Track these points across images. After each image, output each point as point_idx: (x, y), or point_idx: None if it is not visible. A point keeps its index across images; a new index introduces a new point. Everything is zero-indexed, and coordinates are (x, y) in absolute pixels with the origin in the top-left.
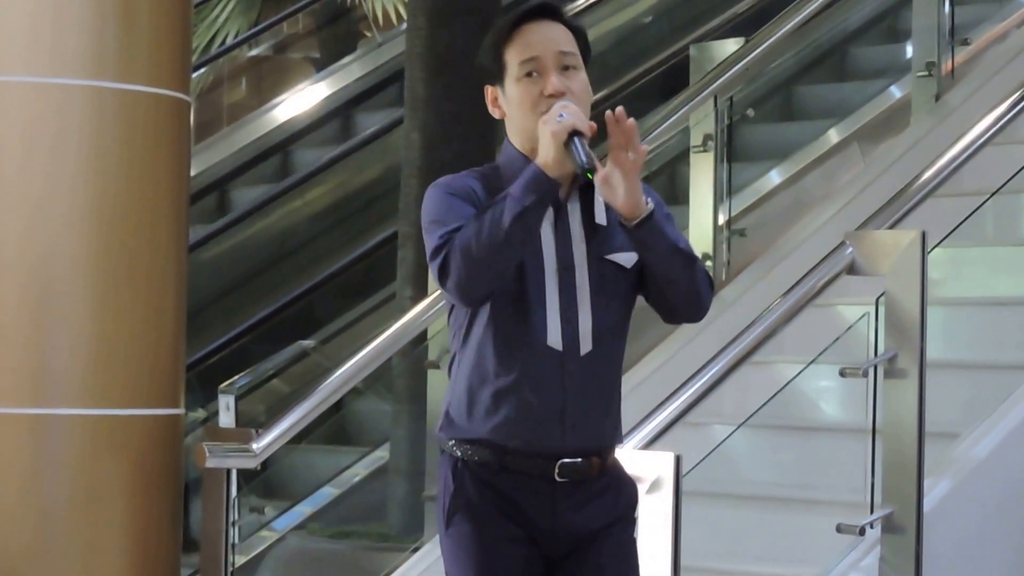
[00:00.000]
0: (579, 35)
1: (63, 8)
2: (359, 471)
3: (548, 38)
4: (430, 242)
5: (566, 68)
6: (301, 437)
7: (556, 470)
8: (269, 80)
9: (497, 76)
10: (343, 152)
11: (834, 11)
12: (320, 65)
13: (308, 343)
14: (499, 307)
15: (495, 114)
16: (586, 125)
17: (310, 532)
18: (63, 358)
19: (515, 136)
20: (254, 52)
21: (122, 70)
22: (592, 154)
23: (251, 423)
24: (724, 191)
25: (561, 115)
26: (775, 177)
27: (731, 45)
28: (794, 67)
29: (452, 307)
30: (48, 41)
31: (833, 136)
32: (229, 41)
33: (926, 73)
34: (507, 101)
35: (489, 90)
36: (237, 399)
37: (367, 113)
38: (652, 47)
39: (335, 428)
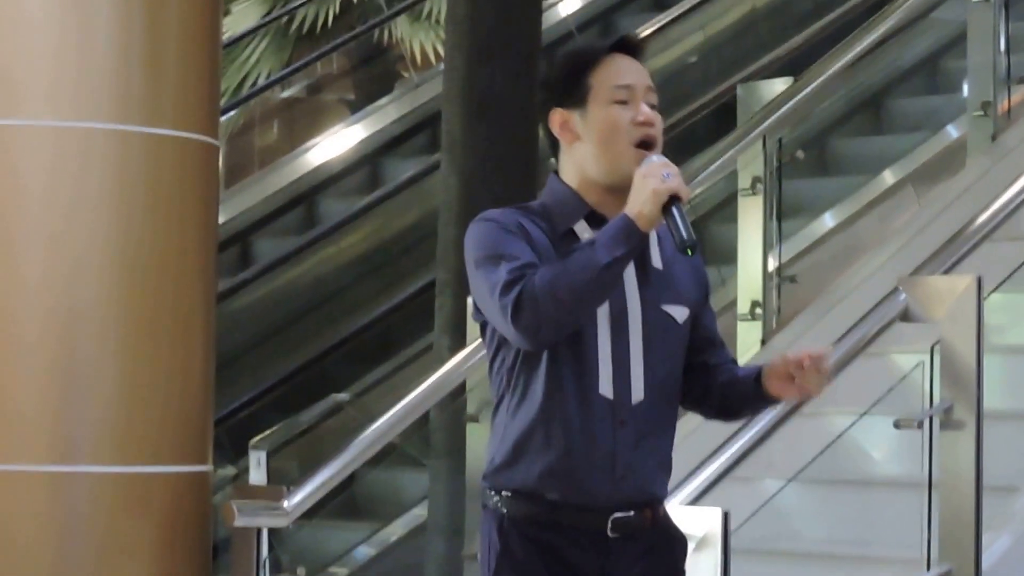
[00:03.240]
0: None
1: (88, 50)
2: (396, 530)
3: (639, 71)
4: (492, 276)
5: (652, 105)
6: (333, 497)
7: (609, 525)
8: (302, 122)
9: (576, 100)
10: (379, 197)
11: (883, 52)
12: (355, 107)
13: (342, 396)
14: (549, 353)
15: (564, 139)
16: (686, 191)
17: None
18: (85, 412)
19: (579, 165)
20: (286, 93)
21: (148, 113)
22: (691, 227)
23: (283, 480)
24: (774, 236)
25: (667, 174)
26: (827, 221)
27: (779, 85)
28: (842, 114)
29: (496, 353)
30: (73, 84)
31: (888, 178)
32: (261, 82)
33: (982, 113)
34: (586, 125)
35: (559, 113)
36: (269, 455)
37: (403, 157)
38: (697, 87)
39: (366, 491)
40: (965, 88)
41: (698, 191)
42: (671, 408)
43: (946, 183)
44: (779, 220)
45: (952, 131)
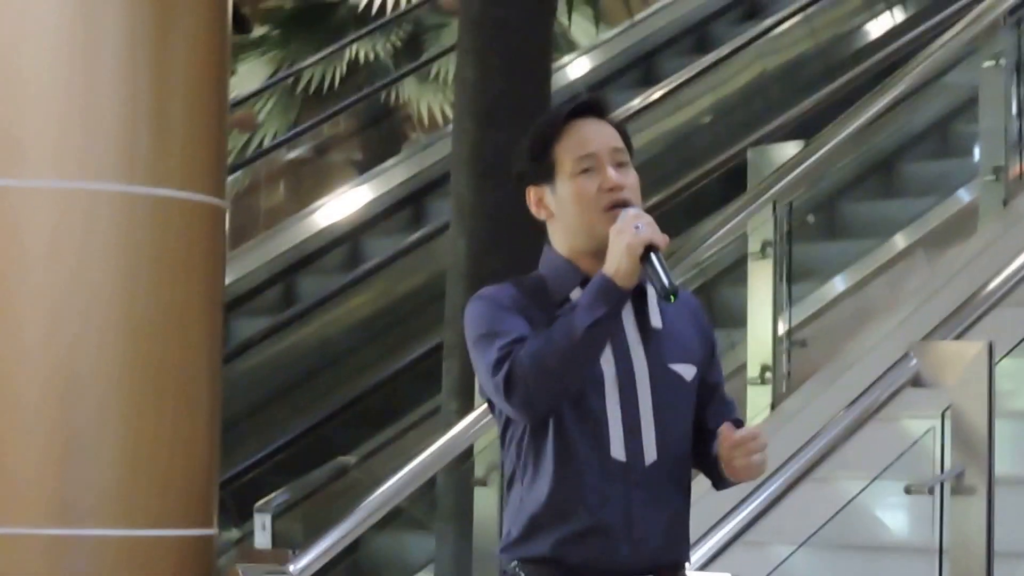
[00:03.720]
0: (623, 133)
1: (94, 110)
2: None
3: (601, 134)
4: (485, 356)
5: (620, 164)
6: (338, 561)
7: None
8: (308, 183)
9: (544, 176)
10: (386, 259)
11: (895, 116)
12: (362, 167)
13: (348, 459)
14: (558, 420)
15: (540, 215)
16: (661, 238)
17: None
18: (87, 475)
19: (563, 237)
20: (293, 154)
21: (154, 174)
22: (671, 274)
23: (288, 543)
24: (784, 299)
25: (637, 226)
26: (838, 285)
27: (790, 148)
28: (853, 178)
29: (506, 427)
30: (78, 144)
31: (898, 242)
32: (267, 143)
33: (993, 178)
34: (558, 200)
35: (532, 191)
36: (274, 518)
37: (410, 220)
38: (707, 150)
39: (372, 554)
40: (976, 152)
41: (708, 255)
42: (685, 467)
43: (957, 248)
44: (789, 284)
45: (964, 195)
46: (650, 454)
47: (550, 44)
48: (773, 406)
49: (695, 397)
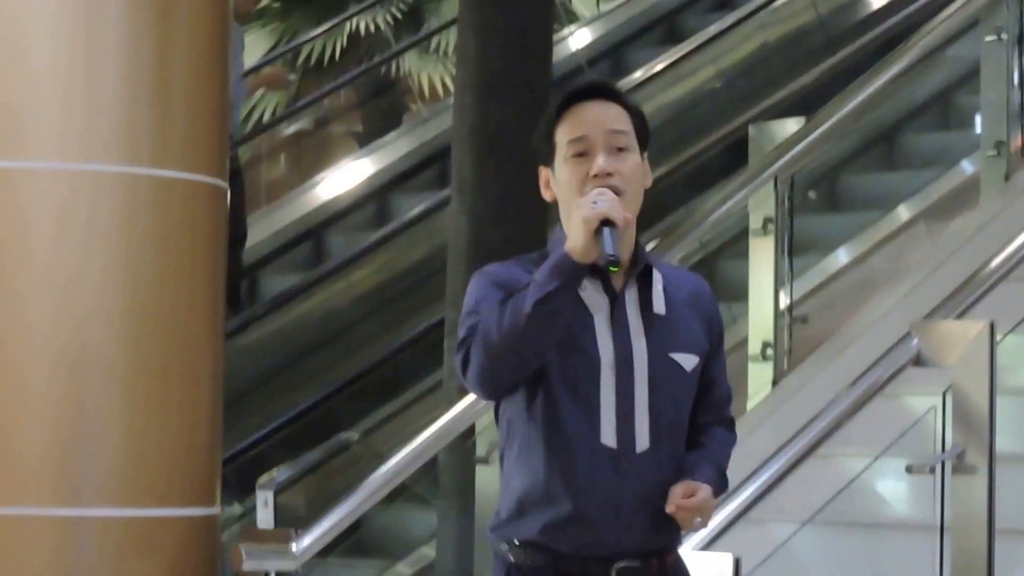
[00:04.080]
0: (636, 115)
1: (96, 92)
2: (405, 570)
3: (599, 117)
4: (459, 333)
5: (619, 149)
6: (341, 537)
7: (614, 574)
8: (309, 156)
9: (549, 157)
10: (388, 233)
11: (895, 89)
12: (363, 140)
13: (350, 435)
14: (550, 402)
15: (547, 197)
16: (620, 215)
17: None
18: (92, 456)
19: (563, 219)
20: (293, 128)
21: (156, 155)
22: (619, 246)
23: (291, 519)
24: (785, 276)
25: (595, 201)
26: (839, 258)
27: (791, 125)
28: (854, 150)
29: (497, 404)
30: (81, 125)
31: (900, 215)
32: (267, 117)
33: (995, 152)
34: (556, 183)
35: (542, 172)
36: (276, 494)
37: (412, 192)
38: (708, 122)
39: (375, 529)
40: (978, 124)
41: (709, 232)
42: (678, 456)
43: (959, 222)
44: (790, 260)
45: (966, 167)
46: (642, 442)
47: (551, 18)
48: (775, 382)
49: (695, 386)
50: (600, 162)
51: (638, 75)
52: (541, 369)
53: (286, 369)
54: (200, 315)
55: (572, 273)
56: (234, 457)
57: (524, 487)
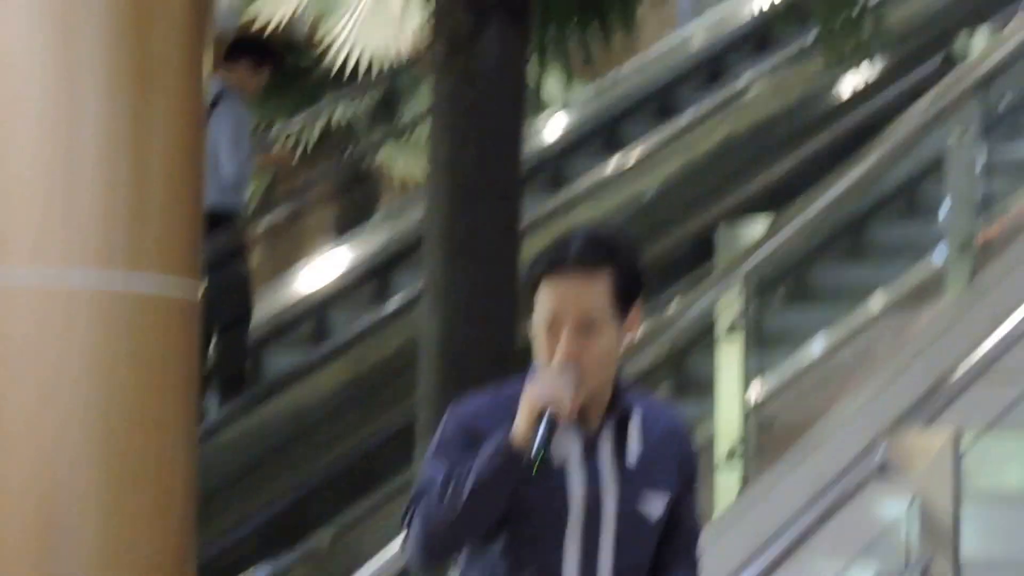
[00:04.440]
0: (624, 273)
1: (74, 196)
2: None
3: (572, 297)
4: (413, 488)
5: (589, 327)
6: None
7: None
8: (284, 248)
9: (532, 309)
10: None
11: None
12: (340, 230)
13: (322, 538)
14: (514, 540)
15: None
16: (564, 407)
17: None
18: (66, 562)
19: None
20: (268, 220)
21: (132, 257)
22: (548, 445)
23: None
24: (752, 380)
25: (544, 386)
26: (807, 355)
27: (758, 227)
28: (822, 243)
29: None
30: (60, 229)
31: (868, 308)
32: None
33: (960, 252)
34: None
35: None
36: None
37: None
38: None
39: None
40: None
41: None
42: None
43: (925, 319)
44: (758, 364)
45: (933, 258)
46: None
47: (522, 121)
48: (741, 487)
49: (661, 530)
50: (563, 345)
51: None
52: (506, 515)
53: (259, 467)
54: (174, 426)
55: (510, 459)
56: (206, 557)
57: None
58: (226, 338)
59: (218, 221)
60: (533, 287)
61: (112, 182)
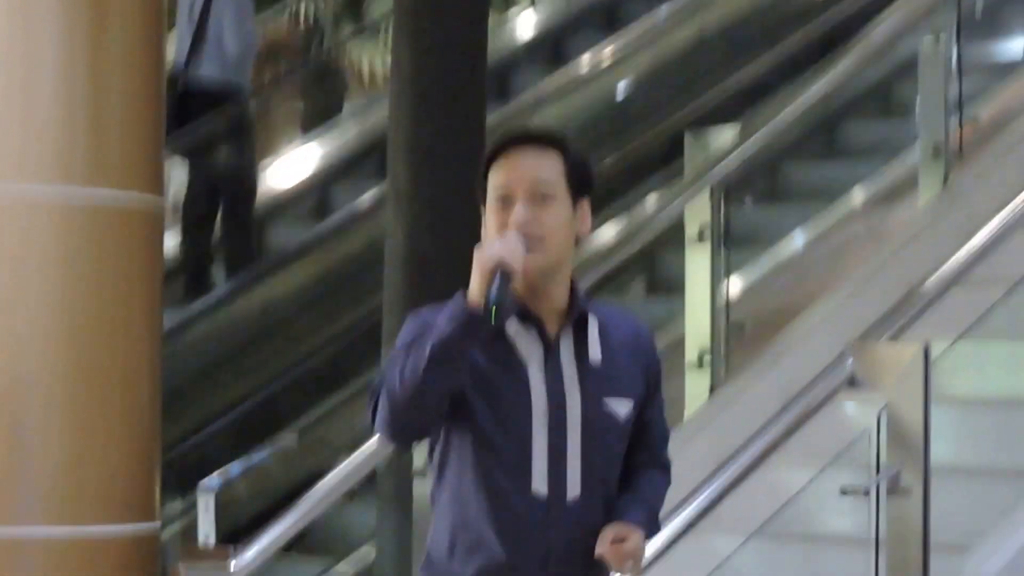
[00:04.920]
0: (573, 163)
1: (31, 111)
2: (346, 569)
3: (526, 166)
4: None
5: (543, 197)
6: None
7: None
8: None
9: (483, 199)
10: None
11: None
12: (306, 126)
13: (290, 437)
14: (482, 445)
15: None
16: (517, 260)
17: None
18: (32, 475)
19: None
20: None
21: (92, 172)
22: (505, 295)
23: (231, 520)
24: (722, 284)
25: (494, 244)
26: (778, 256)
27: (727, 132)
28: (791, 144)
29: (432, 445)
30: (16, 144)
31: (840, 208)
32: None
33: (933, 156)
34: (485, 226)
35: (481, 211)
36: (218, 496)
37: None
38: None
39: (317, 529)
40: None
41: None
42: (609, 502)
43: (899, 220)
44: (728, 269)
45: (907, 158)
46: (573, 489)
47: (485, 29)
48: (712, 391)
49: (629, 433)
50: (517, 211)
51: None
52: (473, 416)
53: (227, 363)
54: (138, 333)
55: (466, 320)
56: (175, 454)
57: (454, 529)
58: (232, 214)
59: (223, 98)
60: (484, 176)
61: (70, 98)
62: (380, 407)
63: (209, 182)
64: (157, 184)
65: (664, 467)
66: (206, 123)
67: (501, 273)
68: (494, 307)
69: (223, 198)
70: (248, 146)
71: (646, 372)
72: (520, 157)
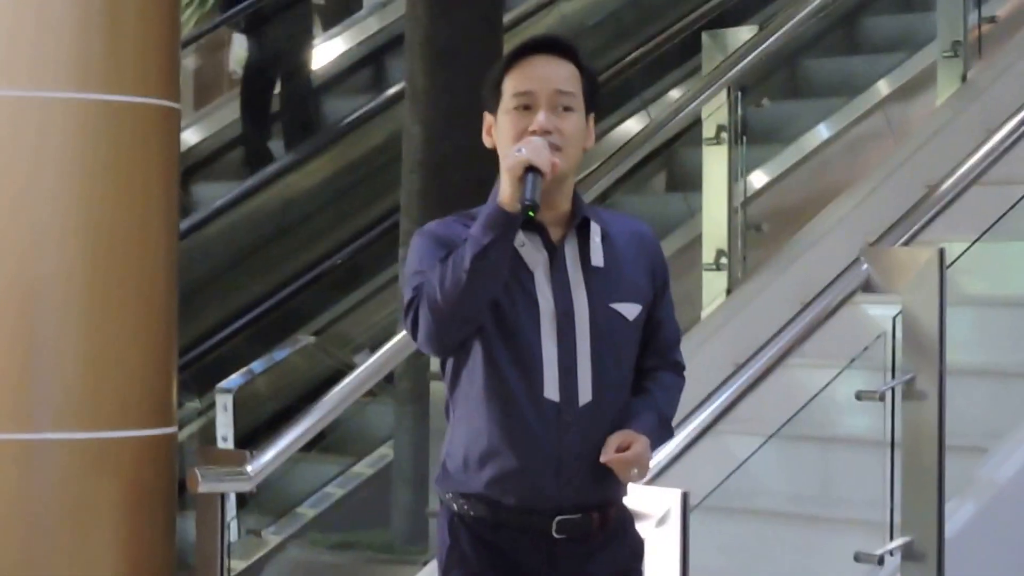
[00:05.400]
0: (588, 77)
1: (45, 18)
2: (364, 470)
3: (548, 74)
4: (405, 295)
5: (564, 108)
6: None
7: (554, 527)
8: None
9: (495, 105)
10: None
11: None
12: (327, 21)
13: (308, 339)
14: (492, 355)
15: (487, 143)
16: (545, 161)
17: (312, 543)
18: (49, 380)
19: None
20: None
21: (108, 80)
22: (537, 194)
23: (248, 420)
24: (740, 185)
25: (520, 148)
26: (793, 162)
27: (744, 32)
28: (808, 40)
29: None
30: (30, 51)
31: (856, 110)
32: None
33: (951, 53)
34: (497, 131)
35: (487, 118)
36: (235, 397)
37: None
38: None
39: (335, 427)
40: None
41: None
42: (622, 406)
43: (918, 116)
44: (744, 171)
45: (929, 53)
46: (585, 395)
47: None
48: (729, 291)
49: (639, 335)
50: (541, 118)
51: None
52: (482, 324)
53: (243, 262)
54: (154, 237)
55: (505, 224)
56: (192, 349)
57: (468, 440)
58: (290, 84)
59: None
60: (498, 81)
61: (85, 3)
62: (421, 321)
63: (267, 55)
64: (174, 91)
65: (676, 369)
66: None
67: (533, 171)
68: (531, 204)
69: (281, 70)
70: (306, 17)
71: (652, 274)
72: (544, 65)
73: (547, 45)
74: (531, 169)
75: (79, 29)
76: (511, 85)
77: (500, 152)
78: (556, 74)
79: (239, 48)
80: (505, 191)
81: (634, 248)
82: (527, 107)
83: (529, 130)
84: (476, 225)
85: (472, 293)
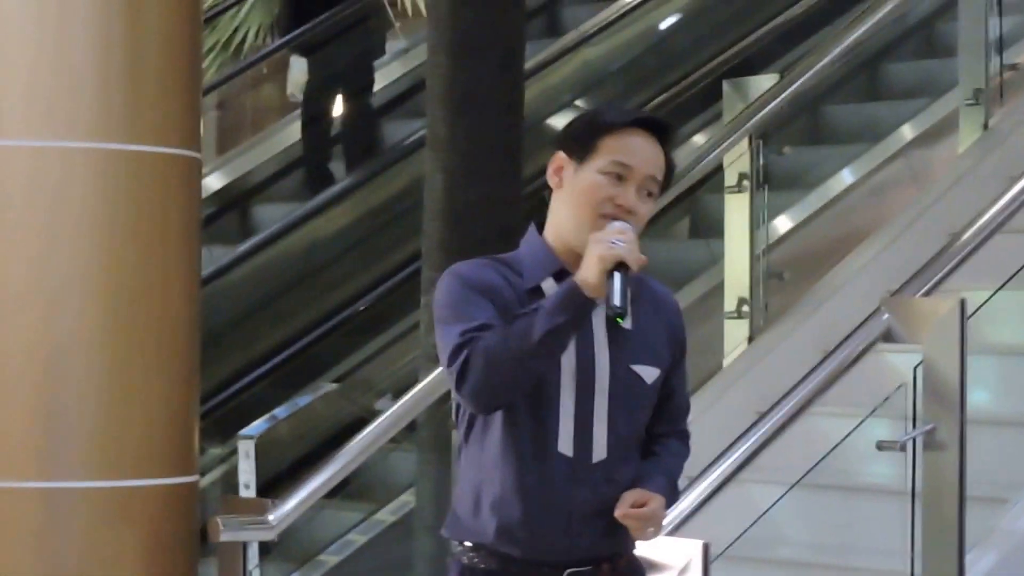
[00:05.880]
0: (670, 168)
1: (66, 67)
2: (386, 517)
3: (650, 156)
4: (447, 338)
5: (648, 194)
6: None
7: None
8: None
9: (579, 152)
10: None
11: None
12: None
13: (331, 386)
14: (509, 407)
15: (552, 181)
16: (635, 260)
17: None
18: (71, 429)
19: (556, 217)
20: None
21: (129, 130)
22: (628, 297)
23: (270, 467)
24: (761, 232)
25: (615, 241)
26: (815, 208)
27: (765, 81)
28: (829, 86)
29: (459, 403)
30: (51, 101)
31: (878, 157)
32: (250, 37)
33: (973, 101)
34: (574, 180)
35: (559, 157)
36: (257, 444)
37: (399, 122)
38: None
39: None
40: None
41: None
42: (633, 465)
43: (937, 169)
44: (765, 219)
45: (950, 99)
46: (599, 452)
47: None
48: (751, 339)
49: (655, 398)
50: (631, 198)
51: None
52: None
53: (266, 307)
54: (175, 287)
55: (581, 307)
56: (215, 400)
57: (478, 488)
58: (352, 105)
59: None
60: (594, 135)
61: (105, 53)
62: (471, 375)
63: (327, 77)
64: (195, 141)
65: (683, 438)
66: (323, 21)
67: (621, 271)
68: (621, 312)
69: (342, 93)
70: (373, 34)
71: (672, 342)
72: (649, 145)
73: (657, 128)
74: (621, 265)
75: (100, 79)
76: (614, 149)
77: (568, 199)
78: (656, 159)
79: (298, 72)
80: (591, 276)
81: (658, 313)
82: (619, 177)
83: (615, 202)
84: (551, 300)
85: (532, 366)
